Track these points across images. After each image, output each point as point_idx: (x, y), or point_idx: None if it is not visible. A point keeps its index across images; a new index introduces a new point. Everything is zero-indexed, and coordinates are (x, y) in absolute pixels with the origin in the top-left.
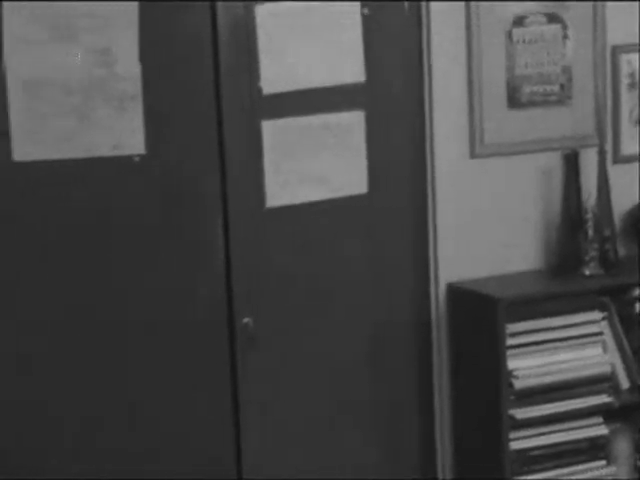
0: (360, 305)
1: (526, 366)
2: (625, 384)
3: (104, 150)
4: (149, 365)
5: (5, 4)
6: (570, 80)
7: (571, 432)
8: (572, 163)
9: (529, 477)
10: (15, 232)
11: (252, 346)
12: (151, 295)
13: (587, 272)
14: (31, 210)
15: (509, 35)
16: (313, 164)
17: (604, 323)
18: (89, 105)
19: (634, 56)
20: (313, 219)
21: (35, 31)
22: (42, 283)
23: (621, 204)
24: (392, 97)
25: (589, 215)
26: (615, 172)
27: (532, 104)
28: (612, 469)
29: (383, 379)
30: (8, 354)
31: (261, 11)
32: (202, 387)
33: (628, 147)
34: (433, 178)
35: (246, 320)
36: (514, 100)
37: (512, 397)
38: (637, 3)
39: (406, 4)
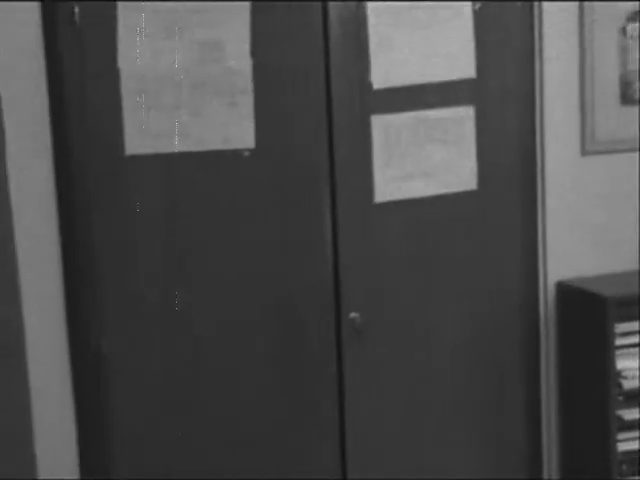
0: (468, 302)
1: (635, 366)
2: None
3: (215, 144)
4: (257, 358)
5: (120, 3)
6: None
7: None
8: None
9: (636, 479)
10: (130, 224)
11: (358, 341)
12: (262, 290)
13: None
14: (142, 203)
15: (623, 31)
16: (422, 159)
17: None
18: (201, 100)
19: None
20: (421, 215)
21: (149, 28)
22: (161, 273)
23: None
24: (503, 93)
25: None
26: None
27: None
28: None
29: (489, 377)
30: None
31: (372, 7)
32: (309, 382)
33: None
34: (543, 175)
35: (353, 315)
36: (627, 96)
37: (620, 397)
38: None
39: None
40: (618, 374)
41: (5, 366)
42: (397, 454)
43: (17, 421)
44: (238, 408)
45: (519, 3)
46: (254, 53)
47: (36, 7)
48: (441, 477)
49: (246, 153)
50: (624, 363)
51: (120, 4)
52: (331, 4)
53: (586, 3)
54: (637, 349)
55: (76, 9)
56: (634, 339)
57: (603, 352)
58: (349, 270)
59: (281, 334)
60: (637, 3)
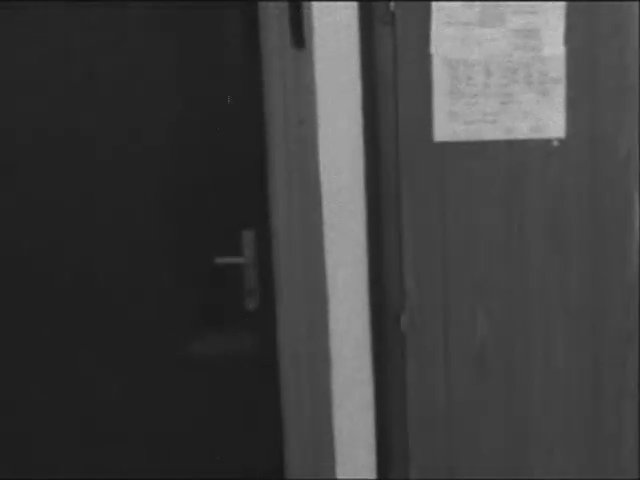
0: None
1: None
2: None
3: (523, 132)
4: (551, 358)
5: None
6: None
7: None
8: None
9: None
10: (431, 211)
11: None
12: (558, 283)
13: None
14: (448, 189)
15: None
16: None
17: None
18: (512, 87)
19: None
20: None
21: (464, 13)
22: None
23: None
24: None
25: None
26: None
27: None
28: None
29: None
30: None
31: None
32: None
33: None
34: None
35: None
36: None
37: None
38: None
39: None
40: None
41: None
42: None
43: None
44: (530, 408)
45: None
46: (567, 41)
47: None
48: None
49: (556, 143)
50: None
51: None
52: None
53: None
54: None
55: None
56: None
57: None
58: None
59: None
60: None
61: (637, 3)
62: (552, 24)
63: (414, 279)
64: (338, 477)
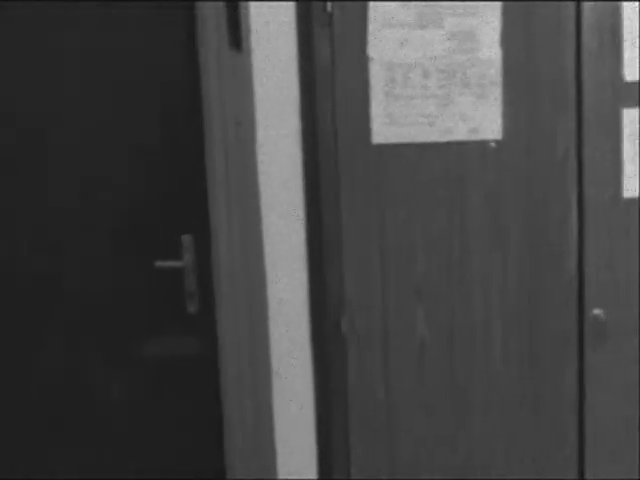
0: None
1: None
2: None
3: (461, 134)
4: (493, 351)
5: None
6: None
7: None
8: None
9: None
10: (371, 215)
11: (602, 339)
12: (499, 279)
13: None
14: (387, 193)
15: None
16: None
17: None
18: (449, 89)
19: None
20: None
21: (401, 15)
22: None
23: None
24: None
25: None
26: None
27: None
28: None
29: None
30: None
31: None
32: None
33: None
34: None
35: (597, 312)
36: None
37: None
38: None
39: None
40: None
41: None
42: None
43: None
44: (470, 405)
45: None
46: (503, 42)
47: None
48: None
49: (492, 144)
50: None
51: None
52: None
53: None
54: None
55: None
56: None
57: None
58: (594, 265)
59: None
60: None
61: (573, 3)
62: (489, 26)
63: (354, 282)
64: (279, 477)
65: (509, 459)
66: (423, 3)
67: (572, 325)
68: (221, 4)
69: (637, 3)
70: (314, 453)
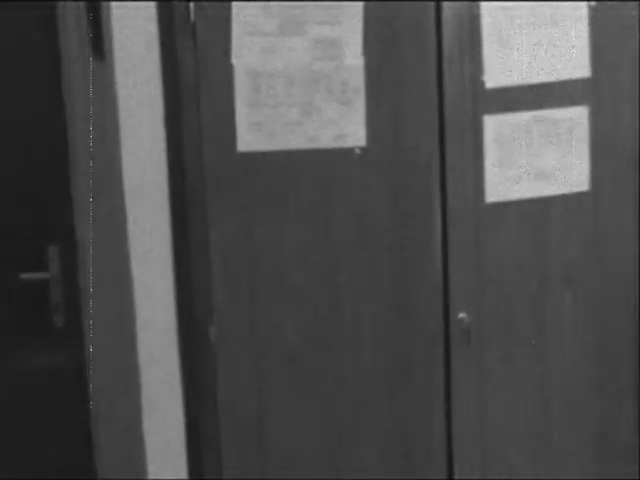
0: (582, 305)
1: None
2: None
3: (327, 142)
4: (365, 356)
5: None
6: None
7: None
8: None
9: None
10: (238, 222)
11: (467, 342)
12: (368, 286)
13: None
14: (254, 201)
15: None
16: (534, 160)
17: None
18: (314, 97)
19: None
20: (534, 216)
21: (264, 23)
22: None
23: None
24: (618, 93)
25: None
26: None
27: None
28: None
29: (602, 382)
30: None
31: (486, 6)
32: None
33: None
34: None
35: (462, 315)
36: None
37: None
38: None
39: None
40: None
41: None
42: (505, 456)
43: None
44: (345, 406)
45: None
46: (366, 50)
47: (152, 4)
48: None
49: (358, 151)
50: None
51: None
52: (445, 4)
53: None
54: None
55: (191, 5)
56: None
57: None
58: (458, 270)
59: (387, 333)
60: None
61: (433, 3)
62: (352, 34)
63: (222, 292)
64: (149, 477)
65: (381, 455)
66: (286, 11)
67: (439, 328)
68: (84, 20)
69: (497, 11)
70: (184, 455)
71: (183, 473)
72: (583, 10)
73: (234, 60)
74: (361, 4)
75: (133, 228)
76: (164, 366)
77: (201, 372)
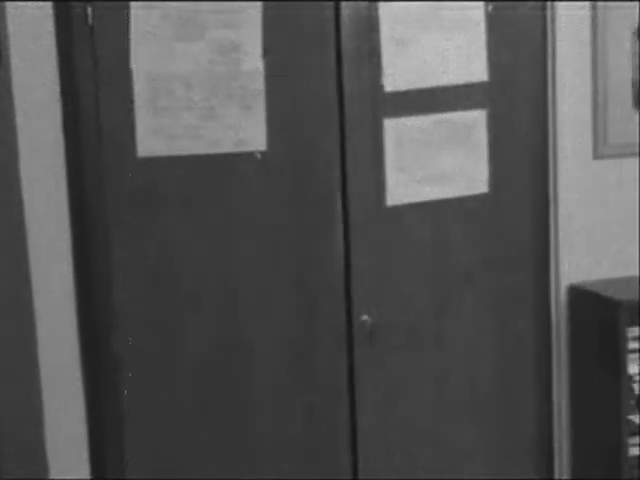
0: (480, 305)
1: None
2: None
3: (227, 146)
4: (269, 361)
5: (133, 3)
6: None
7: None
8: None
9: None
10: (139, 228)
11: (370, 343)
12: (270, 291)
13: None
14: (155, 206)
15: (637, 33)
16: (434, 163)
17: None
18: (214, 102)
19: None
20: (433, 218)
21: (163, 27)
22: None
23: None
24: (515, 96)
25: None
26: None
27: None
28: None
29: (501, 380)
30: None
31: (384, 8)
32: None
33: None
34: (555, 178)
35: (364, 318)
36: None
37: (632, 402)
38: None
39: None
40: (630, 378)
41: None
42: (409, 456)
43: None
44: (251, 409)
45: (531, 4)
46: (266, 54)
47: (49, 7)
48: (451, 478)
49: (258, 155)
50: (636, 367)
51: (134, 3)
52: (343, 4)
53: (599, 3)
54: None
55: (89, 9)
56: None
57: (615, 356)
58: (360, 273)
59: (291, 334)
60: None
61: (332, 4)
62: (251, 38)
63: (124, 302)
64: (51, 477)
65: (286, 457)
66: (185, 15)
67: (342, 330)
68: None
69: (395, 13)
70: (86, 456)
71: (85, 472)
72: (481, 14)
73: (133, 64)
74: (260, 5)
75: (32, 238)
76: (67, 371)
77: (104, 382)
